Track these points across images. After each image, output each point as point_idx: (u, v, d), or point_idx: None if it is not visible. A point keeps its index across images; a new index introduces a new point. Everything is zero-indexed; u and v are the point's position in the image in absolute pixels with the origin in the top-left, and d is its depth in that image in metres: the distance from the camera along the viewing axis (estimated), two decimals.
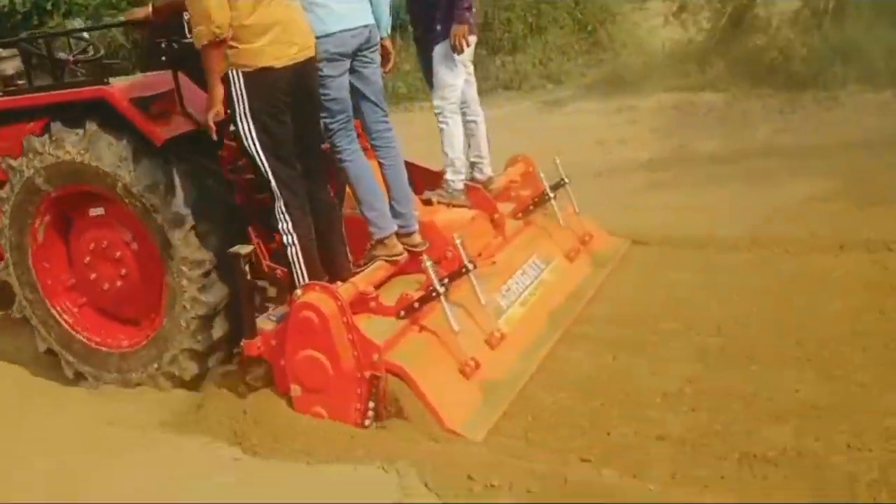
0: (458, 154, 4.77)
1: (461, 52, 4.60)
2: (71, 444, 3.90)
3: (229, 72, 3.46)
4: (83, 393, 4.40)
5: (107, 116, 3.88)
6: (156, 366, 4.10)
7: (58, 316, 4.36)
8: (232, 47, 3.41)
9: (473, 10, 4.68)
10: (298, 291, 3.54)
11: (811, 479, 2.84)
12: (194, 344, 3.98)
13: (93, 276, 4.28)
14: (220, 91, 3.48)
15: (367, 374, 3.47)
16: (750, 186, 6.30)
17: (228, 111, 3.55)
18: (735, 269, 4.82)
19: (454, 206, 4.68)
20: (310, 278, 3.64)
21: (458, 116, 4.78)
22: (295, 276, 3.68)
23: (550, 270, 4.75)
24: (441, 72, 4.71)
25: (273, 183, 3.59)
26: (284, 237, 3.66)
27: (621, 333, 4.24)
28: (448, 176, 4.76)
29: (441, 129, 4.77)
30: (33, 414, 4.32)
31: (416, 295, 3.69)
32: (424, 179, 4.87)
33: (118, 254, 4.18)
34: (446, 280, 3.74)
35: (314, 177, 3.89)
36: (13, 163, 4.15)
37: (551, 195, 5.02)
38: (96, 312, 4.42)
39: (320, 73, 3.76)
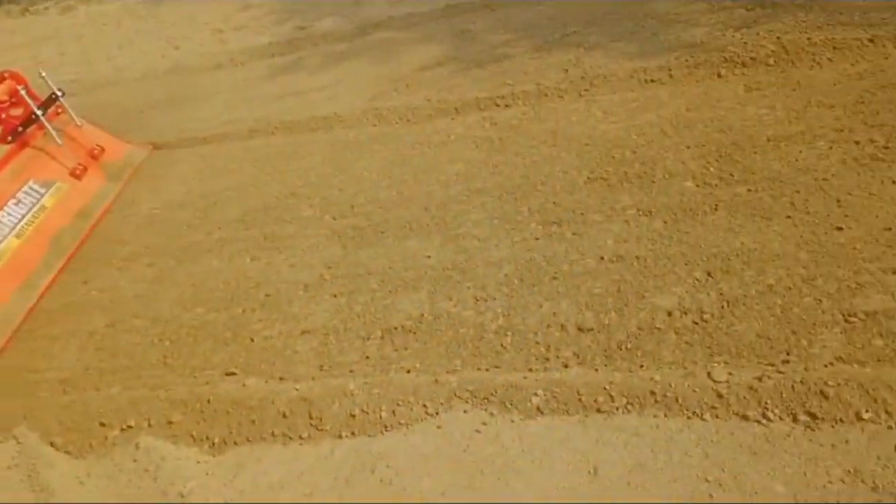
0: None
1: None
2: None
3: None
4: None
5: None
6: None
7: None
8: None
9: None
10: None
11: (446, 339, 2.94)
12: None
13: None
14: None
15: None
16: (370, 62, 6.28)
17: None
18: (362, 144, 4.80)
19: None
20: None
21: None
22: None
23: (52, 193, 4.58)
24: None
25: None
26: None
27: (255, 233, 4.05)
28: None
29: None
30: None
31: None
32: None
33: None
34: None
35: None
36: None
37: (39, 113, 4.67)
38: None
39: None
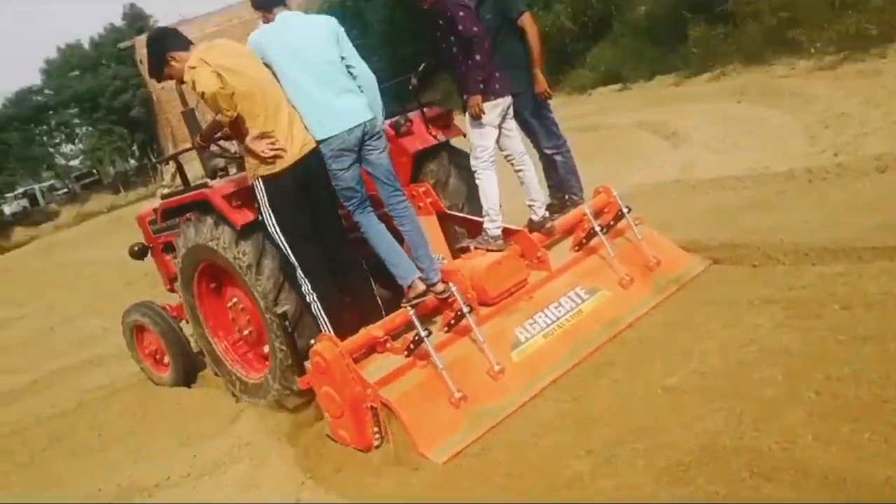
0: (492, 204, 5.17)
1: (477, 118, 5.12)
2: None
3: (254, 182, 4.54)
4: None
5: None
6: (271, 394, 5.19)
7: (216, 349, 5.68)
8: (251, 161, 4.49)
9: (497, 77, 5.16)
10: (312, 341, 4.47)
11: None
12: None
13: (234, 324, 5.54)
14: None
15: (368, 404, 4.25)
16: None
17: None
18: None
19: (490, 250, 5.10)
20: (332, 325, 4.59)
21: (490, 172, 5.21)
22: (320, 325, 4.63)
23: (594, 300, 5.01)
24: (471, 135, 5.24)
25: (291, 256, 4.58)
26: (307, 297, 4.64)
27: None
28: (485, 224, 5.20)
29: (478, 184, 5.25)
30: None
31: (411, 337, 4.36)
32: (470, 228, 5.55)
33: (241, 307, 5.37)
34: (453, 321, 4.51)
35: (334, 243, 4.79)
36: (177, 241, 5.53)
37: (598, 229, 5.18)
38: (237, 348, 5.66)
39: (330, 167, 4.58)
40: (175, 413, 5.97)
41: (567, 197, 6.03)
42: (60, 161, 61.41)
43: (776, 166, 7.21)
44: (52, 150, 60.94)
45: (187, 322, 6.01)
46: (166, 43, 4.66)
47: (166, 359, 6.59)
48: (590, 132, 11.86)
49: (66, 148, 61.92)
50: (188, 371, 6.56)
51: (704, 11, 13.78)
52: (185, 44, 4.61)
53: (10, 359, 10.14)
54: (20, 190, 56.45)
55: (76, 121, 57.92)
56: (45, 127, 58.05)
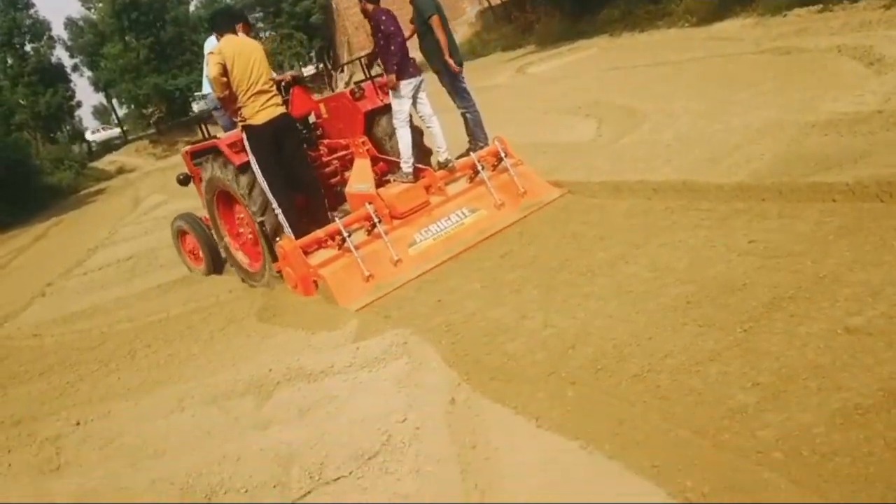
0: (406, 150, 7.32)
1: (394, 90, 7.40)
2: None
3: (242, 134, 7.01)
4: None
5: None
6: (264, 277, 7.74)
7: (230, 248, 8.25)
8: (239, 115, 6.94)
9: (411, 60, 7.49)
10: (279, 238, 6.94)
11: None
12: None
13: (240, 230, 8.06)
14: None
15: (312, 279, 6.65)
16: None
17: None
18: None
19: (402, 182, 7.33)
20: (290, 227, 7.00)
21: (405, 129, 7.34)
22: (283, 228, 7.07)
23: (475, 216, 7.10)
24: (392, 103, 7.55)
25: (263, 182, 7.00)
26: (274, 210, 7.06)
27: None
28: (401, 164, 7.39)
29: (397, 137, 7.46)
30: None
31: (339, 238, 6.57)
32: (395, 166, 7.86)
33: (245, 219, 7.89)
34: (370, 228, 6.76)
35: (300, 175, 7.31)
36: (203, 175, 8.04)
37: (480, 169, 7.29)
38: (243, 246, 8.20)
39: None
40: (342, 311, 6.32)
41: (474, 143, 8.34)
42: None
43: None
44: None
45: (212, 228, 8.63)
46: (215, 23, 7.52)
47: (200, 254, 9.28)
48: (784, 56, 11.20)
49: None
50: (216, 264, 9.17)
51: None
52: (229, 29, 7.10)
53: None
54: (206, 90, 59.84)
55: (260, 24, 59.98)
56: None
